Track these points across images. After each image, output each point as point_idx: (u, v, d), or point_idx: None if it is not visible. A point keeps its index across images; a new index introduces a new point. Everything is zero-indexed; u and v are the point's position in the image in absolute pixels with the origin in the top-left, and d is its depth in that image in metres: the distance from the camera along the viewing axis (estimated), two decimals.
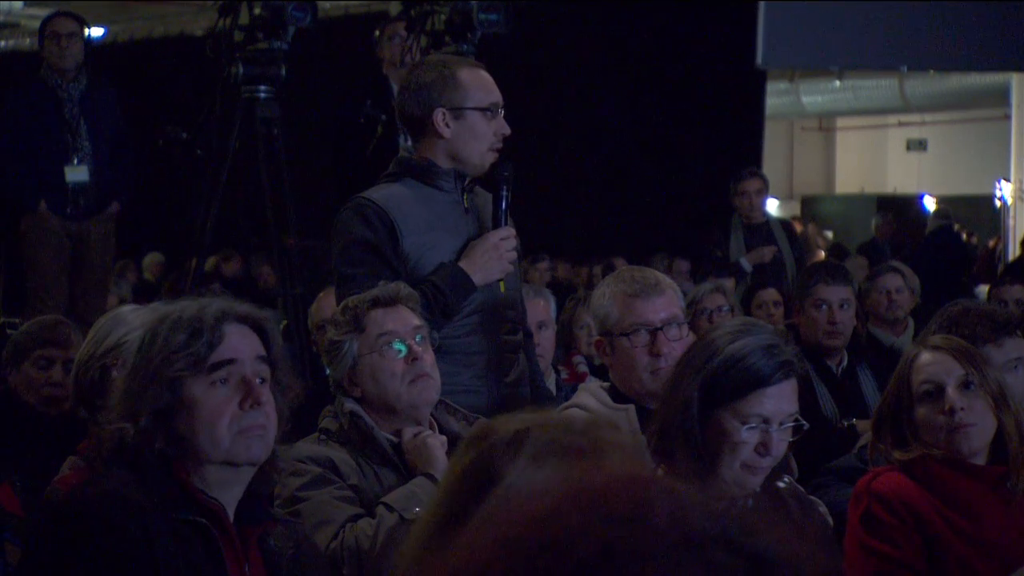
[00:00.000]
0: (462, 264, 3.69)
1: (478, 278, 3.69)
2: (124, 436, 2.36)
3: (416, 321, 3.29)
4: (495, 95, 3.79)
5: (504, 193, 3.77)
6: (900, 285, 5.97)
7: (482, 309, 3.75)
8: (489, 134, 3.76)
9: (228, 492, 2.42)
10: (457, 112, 3.74)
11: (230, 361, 2.40)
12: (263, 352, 2.46)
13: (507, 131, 3.77)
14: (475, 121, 3.74)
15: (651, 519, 0.96)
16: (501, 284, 3.80)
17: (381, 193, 3.78)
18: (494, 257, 3.71)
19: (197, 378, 2.38)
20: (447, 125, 3.75)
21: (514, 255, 3.78)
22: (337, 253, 3.75)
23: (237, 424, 2.39)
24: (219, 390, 2.39)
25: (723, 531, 0.97)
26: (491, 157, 3.77)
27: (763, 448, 2.75)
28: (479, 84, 3.78)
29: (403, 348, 3.24)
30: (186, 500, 2.36)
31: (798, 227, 13.55)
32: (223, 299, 2.49)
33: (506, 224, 3.77)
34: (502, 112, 3.79)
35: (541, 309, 5.01)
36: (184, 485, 2.37)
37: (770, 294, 6.43)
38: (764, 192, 8.43)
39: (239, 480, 2.43)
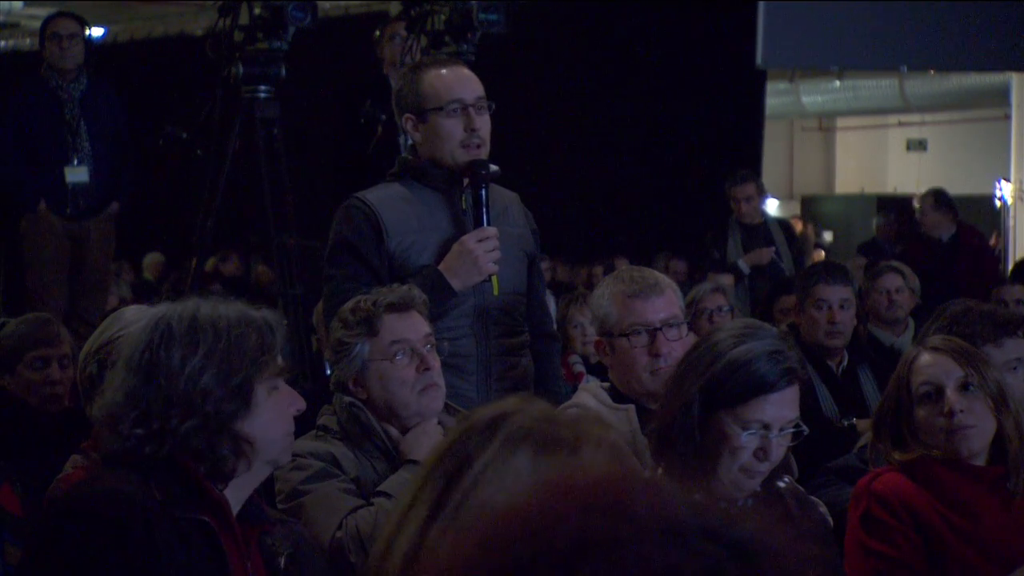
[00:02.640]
0: (440, 268, 3.67)
1: (456, 283, 3.65)
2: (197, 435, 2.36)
3: (427, 328, 3.28)
4: (456, 92, 3.73)
5: (483, 193, 3.73)
6: (900, 285, 5.96)
7: (473, 313, 3.74)
8: (456, 132, 3.72)
9: (242, 491, 2.43)
10: (421, 116, 3.75)
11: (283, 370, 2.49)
12: None
13: (477, 126, 3.71)
14: (438, 122, 3.72)
15: (630, 509, 0.96)
16: (495, 287, 3.77)
17: (375, 193, 3.79)
18: (469, 261, 3.65)
19: (262, 383, 2.42)
20: (416, 130, 3.77)
21: (496, 255, 3.69)
22: (326, 252, 3.77)
23: (289, 427, 2.49)
24: (278, 396, 2.46)
25: (704, 521, 0.97)
26: (465, 154, 3.72)
27: (762, 453, 2.75)
28: (438, 85, 3.74)
29: (414, 356, 3.23)
30: (190, 498, 2.35)
31: (798, 226, 13.54)
32: (242, 305, 2.50)
33: (488, 224, 3.71)
34: (475, 107, 3.72)
35: None
36: (192, 480, 2.36)
37: (792, 300, 6.27)
38: (758, 196, 8.41)
39: (257, 480, 2.46)
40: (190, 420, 2.34)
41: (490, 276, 3.70)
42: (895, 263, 6.39)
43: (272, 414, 2.43)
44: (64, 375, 4.14)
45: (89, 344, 3.21)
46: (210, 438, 2.36)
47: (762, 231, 8.29)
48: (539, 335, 3.95)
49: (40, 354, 4.17)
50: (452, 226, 3.74)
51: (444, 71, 3.80)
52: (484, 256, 3.66)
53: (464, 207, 3.77)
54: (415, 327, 3.26)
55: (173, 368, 2.36)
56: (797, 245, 8.56)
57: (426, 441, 3.20)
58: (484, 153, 3.75)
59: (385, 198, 3.76)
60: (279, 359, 2.46)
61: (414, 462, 3.15)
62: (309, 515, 3.04)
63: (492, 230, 3.70)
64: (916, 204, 9.49)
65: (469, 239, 3.67)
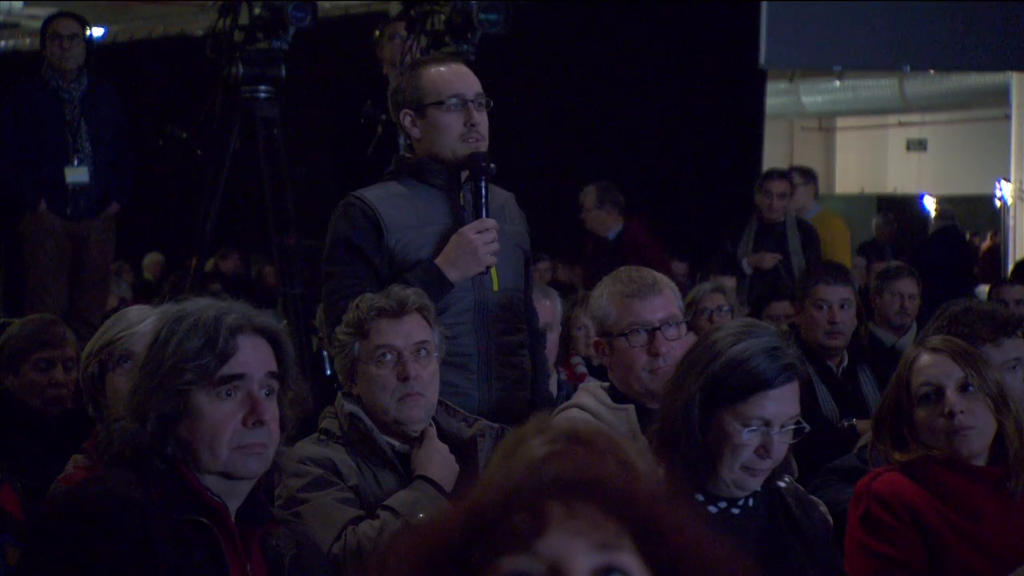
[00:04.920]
0: (438, 261, 3.66)
1: (453, 275, 3.65)
2: (136, 437, 2.36)
3: (421, 335, 3.27)
4: (456, 87, 3.74)
5: (481, 184, 3.72)
6: (915, 292, 5.92)
7: (473, 309, 3.73)
8: (455, 126, 3.72)
9: (228, 497, 2.42)
10: (420, 111, 3.76)
11: (239, 376, 2.39)
12: (274, 367, 2.44)
13: (476, 120, 3.72)
14: (436, 116, 3.73)
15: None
16: (495, 283, 3.76)
17: (373, 191, 3.79)
18: (468, 252, 3.64)
19: (203, 389, 2.37)
20: (414, 125, 3.78)
21: (495, 247, 3.68)
22: (325, 250, 3.78)
23: (237, 440, 2.38)
24: (224, 403, 2.38)
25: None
26: (464, 148, 3.72)
27: (763, 450, 2.75)
28: (437, 79, 3.76)
29: (398, 363, 3.23)
30: (189, 500, 2.36)
31: None
32: (242, 305, 2.46)
33: (486, 216, 3.71)
34: (473, 103, 3.74)
35: (547, 310, 4.96)
36: (188, 484, 2.36)
37: (783, 307, 6.25)
38: (788, 195, 8.23)
39: (235, 491, 2.43)
40: (144, 422, 2.36)
41: (488, 268, 3.69)
42: (911, 268, 6.30)
43: (209, 422, 2.37)
44: (68, 377, 4.14)
45: (91, 344, 3.21)
46: (152, 440, 2.35)
47: (777, 231, 8.17)
48: (527, 331, 3.95)
49: (45, 356, 4.16)
50: (451, 221, 3.74)
51: (443, 68, 3.82)
52: (483, 247, 3.65)
53: (462, 203, 3.77)
54: (405, 333, 3.25)
55: (139, 369, 2.41)
56: (815, 250, 8.38)
57: (438, 458, 3.20)
58: (482, 148, 3.76)
59: (383, 195, 3.77)
60: (235, 366, 2.39)
61: (424, 478, 3.16)
62: (306, 525, 3.04)
63: (491, 222, 3.70)
64: (581, 200, 9.04)
65: (468, 230, 3.66)
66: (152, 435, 2.35)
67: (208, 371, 2.36)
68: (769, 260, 8.00)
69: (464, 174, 3.75)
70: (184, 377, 2.36)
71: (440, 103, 3.73)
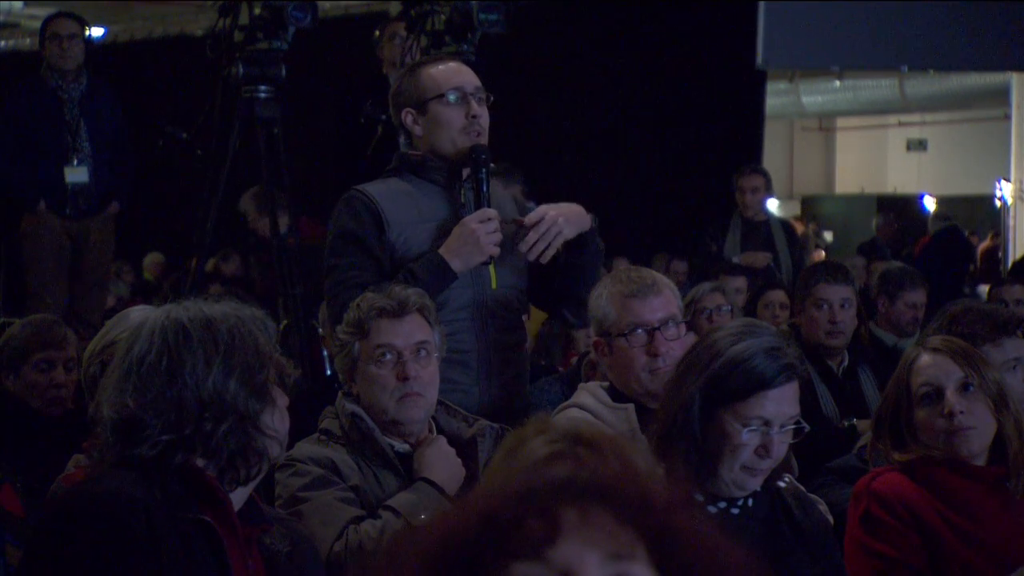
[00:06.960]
0: (441, 251, 3.67)
1: (457, 264, 3.65)
2: (170, 441, 2.34)
3: (422, 335, 3.27)
4: (455, 80, 3.77)
5: (482, 176, 3.73)
6: (924, 301, 5.95)
7: (471, 306, 3.74)
8: (456, 119, 3.74)
9: (245, 491, 2.43)
10: (420, 107, 3.78)
11: None
12: None
13: (477, 112, 3.74)
14: (437, 111, 3.75)
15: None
16: (493, 281, 3.77)
17: (375, 186, 3.81)
18: (471, 242, 3.65)
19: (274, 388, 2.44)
20: (416, 123, 3.80)
21: (497, 237, 3.69)
22: (327, 244, 3.78)
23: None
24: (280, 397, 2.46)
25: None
26: (465, 141, 3.74)
27: (763, 450, 2.75)
28: (437, 75, 3.78)
29: (398, 363, 3.24)
30: (192, 497, 2.35)
31: (799, 227, 13.51)
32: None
33: (488, 207, 3.72)
34: (474, 97, 3.76)
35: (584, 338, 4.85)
36: (195, 480, 2.36)
37: (777, 295, 6.33)
38: (763, 190, 8.32)
39: (258, 479, 2.46)
40: (224, 422, 2.34)
41: (491, 258, 3.70)
42: (921, 275, 6.30)
43: (283, 409, 2.44)
44: (68, 378, 4.14)
45: (93, 345, 3.21)
46: (244, 438, 2.36)
47: (763, 230, 8.24)
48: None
49: (46, 356, 4.17)
50: (451, 217, 3.75)
51: (441, 65, 3.86)
52: (486, 236, 3.66)
53: (463, 200, 3.78)
54: (405, 333, 3.26)
55: (198, 371, 2.35)
56: (798, 247, 8.47)
57: (442, 461, 3.20)
58: (483, 142, 3.77)
59: (385, 190, 3.78)
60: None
61: (426, 480, 3.16)
62: (306, 524, 3.04)
63: (493, 212, 3.71)
64: (242, 209, 8.62)
65: (471, 220, 3.67)
66: (188, 440, 2.34)
67: (275, 360, 2.45)
68: (761, 259, 8.05)
69: (465, 172, 3.77)
70: (268, 368, 2.41)
71: (441, 96, 3.75)
